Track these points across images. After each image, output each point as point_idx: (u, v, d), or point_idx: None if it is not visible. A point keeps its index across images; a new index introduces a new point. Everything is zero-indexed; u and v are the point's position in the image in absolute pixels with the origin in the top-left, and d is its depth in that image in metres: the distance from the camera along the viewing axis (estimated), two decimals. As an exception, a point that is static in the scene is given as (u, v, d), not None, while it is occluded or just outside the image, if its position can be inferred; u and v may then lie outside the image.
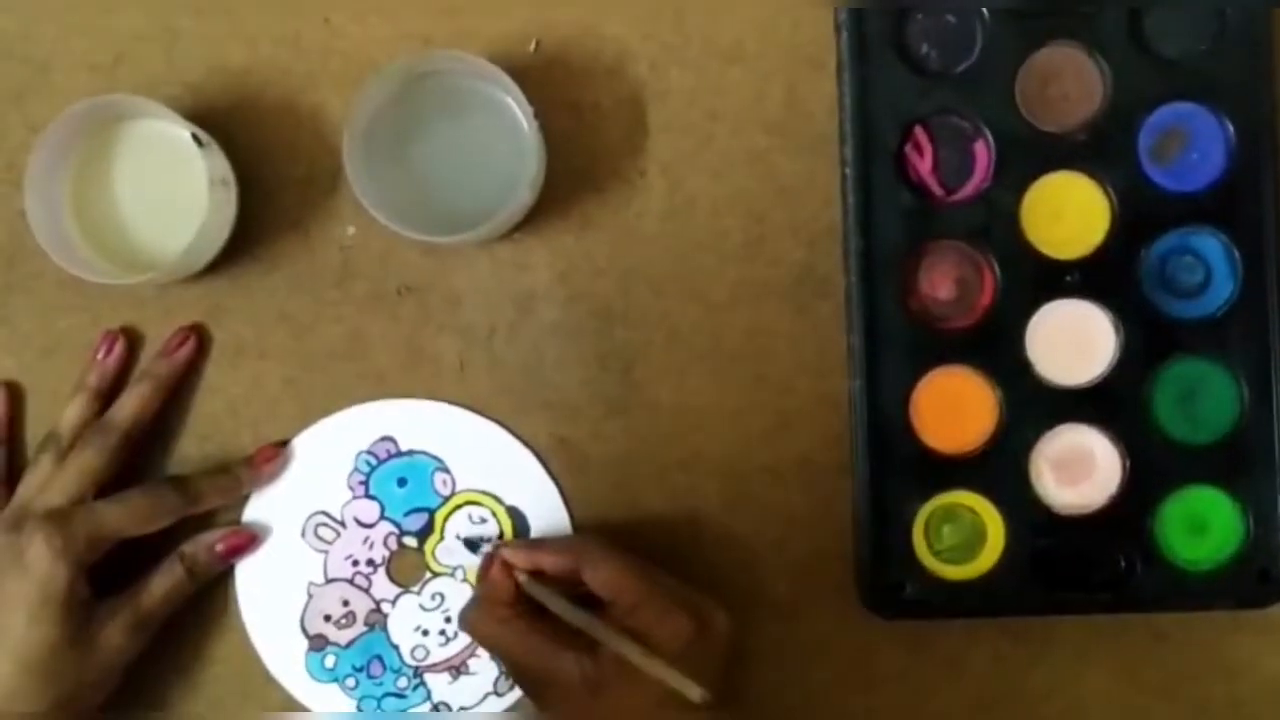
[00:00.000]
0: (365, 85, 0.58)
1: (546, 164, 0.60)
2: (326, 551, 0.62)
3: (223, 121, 0.62)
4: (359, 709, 0.62)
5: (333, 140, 0.61)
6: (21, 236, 0.60)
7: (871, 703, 0.62)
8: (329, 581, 0.62)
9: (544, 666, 0.55)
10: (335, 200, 0.62)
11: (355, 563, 0.62)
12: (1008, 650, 0.62)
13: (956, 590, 0.61)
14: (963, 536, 0.61)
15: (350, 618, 0.62)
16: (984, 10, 0.60)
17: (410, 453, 0.62)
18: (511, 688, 0.62)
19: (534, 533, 0.62)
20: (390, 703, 0.62)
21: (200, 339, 0.62)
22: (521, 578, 0.57)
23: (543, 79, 0.61)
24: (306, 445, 0.62)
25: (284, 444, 0.62)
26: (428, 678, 0.62)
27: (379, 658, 0.62)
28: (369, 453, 0.62)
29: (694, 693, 0.52)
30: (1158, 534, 0.61)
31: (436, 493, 0.62)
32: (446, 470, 0.62)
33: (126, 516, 0.57)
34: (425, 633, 0.62)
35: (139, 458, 0.61)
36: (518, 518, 0.62)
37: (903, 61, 0.61)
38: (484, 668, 0.62)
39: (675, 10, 0.62)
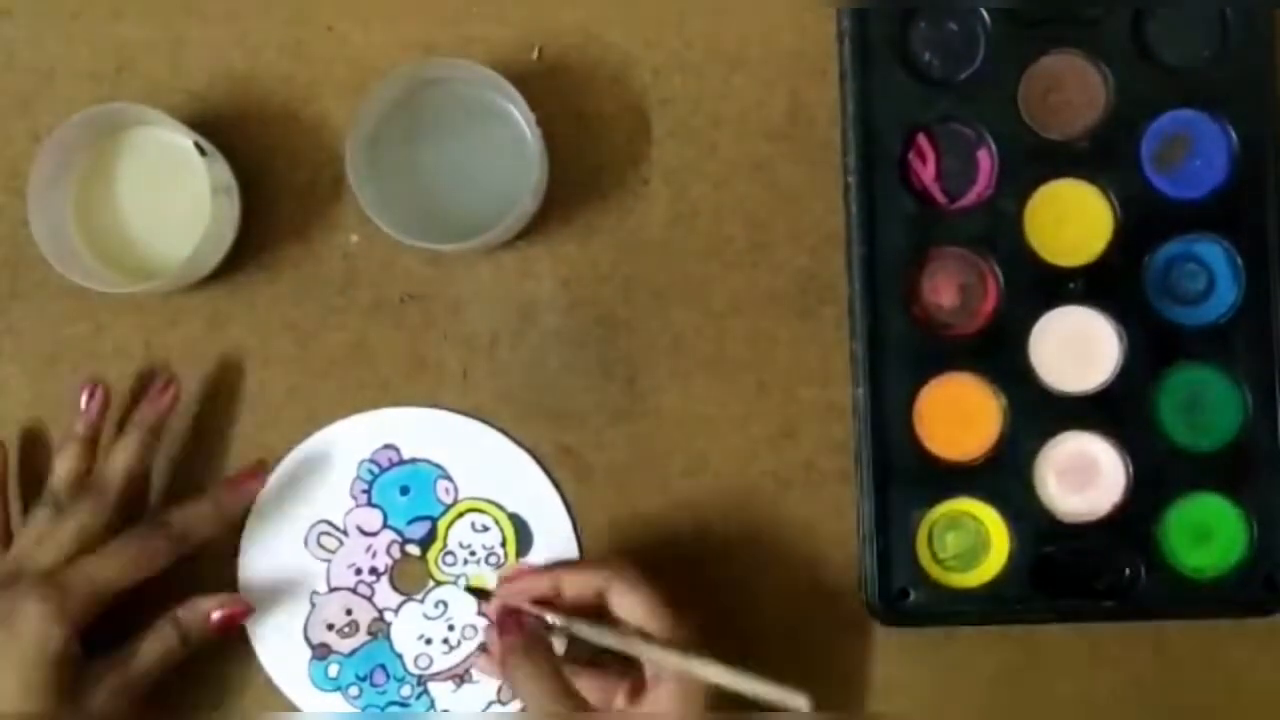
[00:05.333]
0: (368, 93, 0.58)
1: (549, 171, 0.60)
2: (329, 560, 0.62)
3: (225, 129, 0.62)
4: (362, 717, 0.62)
5: (336, 148, 0.61)
6: (25, 245, 0.60)
7: (875, 710, 0.62)
8: (332, 590, 0.62)
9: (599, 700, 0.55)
10: (338, 208, 0.62)
11: (358, 571, 0.62)
12: (1012, 658, 0.62)
13: (961, 598, 0.61)
14: (967, 544, 0.61)
15: (353, 626, 0.62)
16: (986, 17, 0.60)
17: (413, 461, 0.62)
18: (515, 696, 0.62)
19: (536, 540, 0.62)
20: (394, 711, 0.62)
21: (179, 386, 0.61)
22: (557, 621, 0.55)
23: (545, 86, 0.61)
24: (309, 454, 0.62)
25: (262, 462, 0.62)
26: (431, 686, 0.62)
27: (382, 666, 0.62)
28: (371, 461, 0.62)
29: (799, 702, 0.51)
30: (1162, 541, 0.60)
31: (439, 501, 0.62)
32: (449, 478, 0.62)
33: (119, 570, 0.56)
34: (429, 641, 0.62)
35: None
36: (520, 525, 0.62)
37: (905, 69, 0.61)
38: (487, 677, 0.62)
39: (678, 18, 0.62)
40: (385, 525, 0.62)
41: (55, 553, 0.57)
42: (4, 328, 0.63)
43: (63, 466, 0.59)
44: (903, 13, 0.61)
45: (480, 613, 0.62)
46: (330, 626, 0.62)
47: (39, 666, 0.54)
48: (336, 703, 0.62)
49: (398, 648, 0.62)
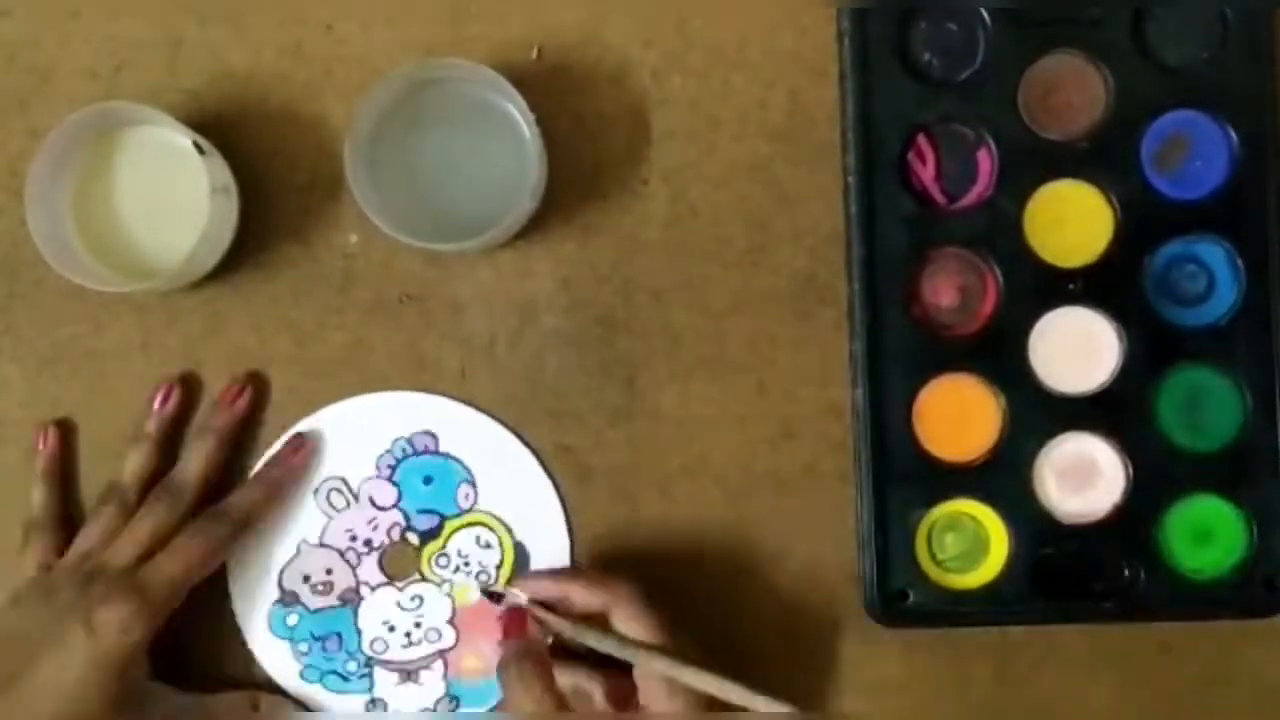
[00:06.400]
0: (367, 93, 0.58)
1: (548, 171, 0.60)
2: (331, 517, 0.62)
3: (224, 129, 0.61)
4: (302, 675, 0.61)
5: (335, 148, 0.61)
6: (23, 244, 0.60)
7: (874, 711, 0.62)
8: (320, 545, 0.62)
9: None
10: (337, 208, 0.62)
11: (353, 538, 0.62)
12: (1011, 659, 0.62)
13: (960, 599, 0.60)
14: (966, 545, 0.61)
15: (328, 587, 0.62)
16: (986, 18, 0.60)
17: (446, 455, 0.62)
18: (454, 709, 0.61)
19: (533, 562, 0.62)
20: (333, 680, 0.62)
21: (255, 389, 0.61)
22: (565, 631, 0.57)
23: (545, 87, 0.61)
24: (352, 411, 0.62)
25: (299, 436, 0.61)
26: (376, 671, 0.62)
27: (338, 635, 0.62)
28: (408, 441, 0.62)
29: (781, 710, 0.52)
30: (1162, 543, 0.60)
31: (457, 503, 0.62)
32: (474, 484, 0.62)
33: (193, 565, 0.57)
34: (391, 629, 0.62)
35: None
36: (521, 554, 0.62)
37: (905, 69, 0.61)
38: (433, 680, 0.62)
39: (677, 18, 0.62)
40: (397, 505, 0.62)
41: (132, 551, 0.57)
42: (2, 327, 0.62)
43: (132, 464, 0.60)
44: (902, 13, 0.61)
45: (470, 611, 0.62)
46: (306, 579, 0.62)
47: (106, 667, 0.54)
48: (283, 650, 0.62)
49: (360, 624, 0.62)
